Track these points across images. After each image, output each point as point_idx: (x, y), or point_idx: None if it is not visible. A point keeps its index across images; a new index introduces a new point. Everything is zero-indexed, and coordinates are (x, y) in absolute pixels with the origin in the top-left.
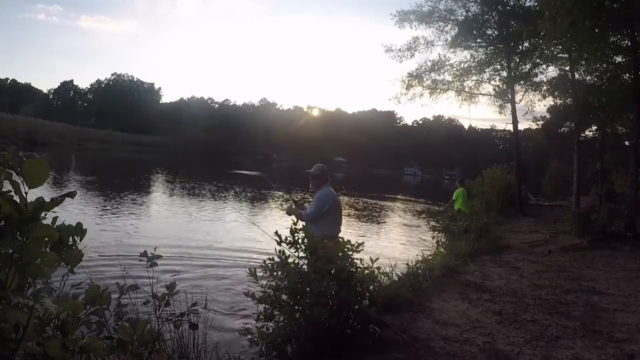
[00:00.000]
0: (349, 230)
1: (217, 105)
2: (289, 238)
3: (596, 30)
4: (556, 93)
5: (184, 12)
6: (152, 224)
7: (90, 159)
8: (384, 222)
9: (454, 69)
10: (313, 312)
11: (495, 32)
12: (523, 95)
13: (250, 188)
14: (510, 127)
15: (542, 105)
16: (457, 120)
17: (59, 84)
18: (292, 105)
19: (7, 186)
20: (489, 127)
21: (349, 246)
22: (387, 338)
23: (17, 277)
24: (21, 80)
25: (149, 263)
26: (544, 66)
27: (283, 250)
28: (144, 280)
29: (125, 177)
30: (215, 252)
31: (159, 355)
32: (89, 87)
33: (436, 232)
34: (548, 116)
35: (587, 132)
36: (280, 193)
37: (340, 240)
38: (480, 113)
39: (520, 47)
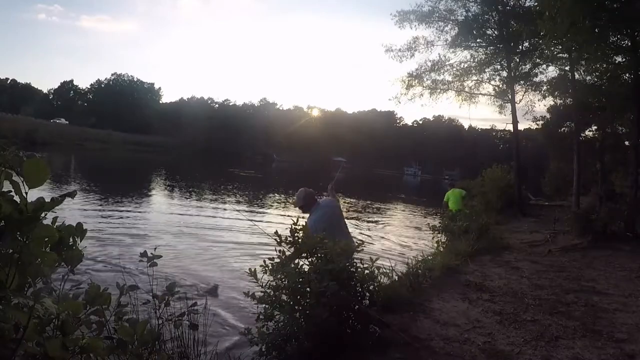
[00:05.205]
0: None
1: (217, 105)
2: (289, 238)
3: (596, 30)
4: (556, 93)
5: (184, 12)
6: (152, 223)
7: (90, 159)
8: (384, 222)
9: (454, 69)
10: (313, 312)
11: (495, 32)
12: (523, 95)
13: (250, 188)
14: (510, 127)
15: (542, 105)
16: (457, 120)
17: (59, 84)
18: (292, 105)
19: (7, 186)
20: (489, 127)
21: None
22: (387, 338)
23: (17, 277)
24: (21, 80)
25: (148, 263)
26: (544, 66)
27: (283, 250)
28: (144, 280)
29: (125, 177)
30: (216, 251)
31: (159, 355)
32: (89, 87)
33: (436, 232)
34: (548, 116)
35: (587, 132)
36: (279, 195)
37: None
38: (480, 113)
39: (520, 47)
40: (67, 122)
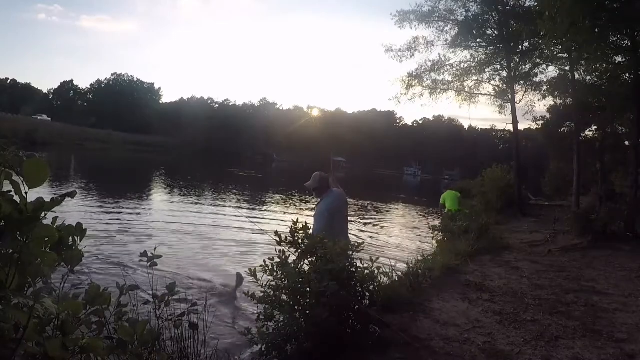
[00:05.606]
0: (349, 230)
1: (217, 105)
2: (289, 238)
3: (596, 30)
4: (556, 93)
5: (184, 12)
6: (152, 223)
7: (90, 159)
8: (384, 222)
9: (454, 69)
10: (313, 312)
11: (495, 32)
12: (523, 95)
13: (250, 188)
14: (510, 127)
15: (542, 105)
16: (457, 120)
17: (59, 84)
18: (292, 105)
19: (7, 186)
20: (489, 127)
21: (350, 246)
22: (387, 338)
23: (17, 277)
24: (21, 80)
25: (149, 263)
26: (544, 66)
27: (283, 250)
28: (144, 280)
29: (125, 177)
30: (215, 251)
31: (159, 355)
32: (89, 87)
33: (436, 232)
34: (548, 116)
35: (587, 132)
36: (279, 195)
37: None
38: (480, 113)
39: (520, 47)
40: (49, 119)
